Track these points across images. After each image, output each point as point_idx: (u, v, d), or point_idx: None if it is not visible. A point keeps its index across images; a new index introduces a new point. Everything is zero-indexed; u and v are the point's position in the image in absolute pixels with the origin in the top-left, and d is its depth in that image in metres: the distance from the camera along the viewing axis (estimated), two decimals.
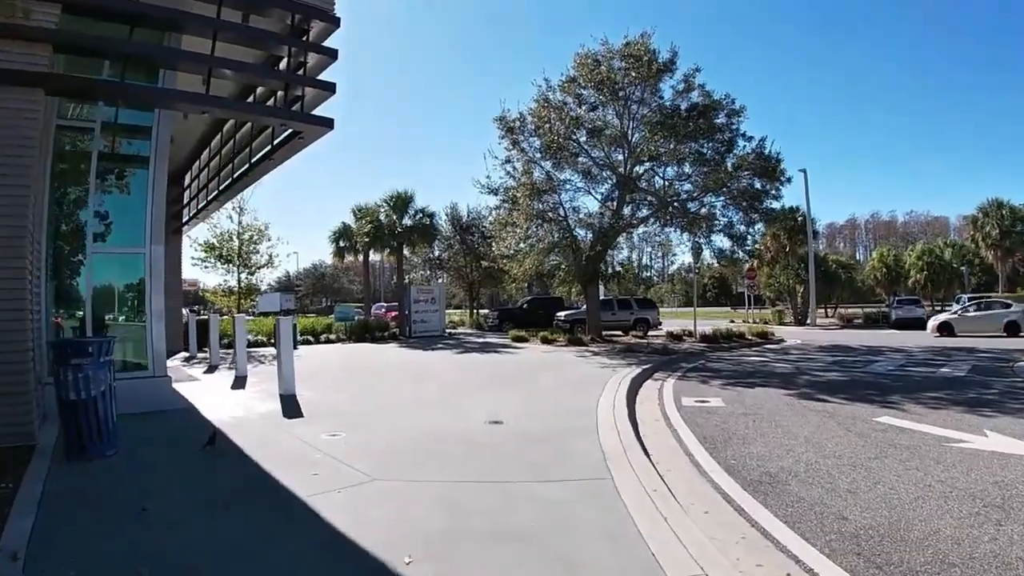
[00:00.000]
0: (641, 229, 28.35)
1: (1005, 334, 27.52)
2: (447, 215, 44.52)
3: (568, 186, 26.87)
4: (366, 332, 30.23)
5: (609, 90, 24.61)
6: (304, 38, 10.90)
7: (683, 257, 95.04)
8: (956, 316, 30.06)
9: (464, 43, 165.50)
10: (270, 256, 31.27)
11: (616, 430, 8.31)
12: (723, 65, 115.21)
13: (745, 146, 24.97)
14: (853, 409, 10.26)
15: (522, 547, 4.55)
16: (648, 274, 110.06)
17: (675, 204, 25.64)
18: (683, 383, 13.99)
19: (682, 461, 7.30)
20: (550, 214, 26.24)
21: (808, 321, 42.39)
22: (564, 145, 25.22)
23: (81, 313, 10.42)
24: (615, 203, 26.14)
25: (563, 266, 27.40)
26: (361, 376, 16.26)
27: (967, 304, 32.48)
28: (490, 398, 11.65)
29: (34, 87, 7.99)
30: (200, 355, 21.26)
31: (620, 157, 26.11)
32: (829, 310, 52.12)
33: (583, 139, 25.91)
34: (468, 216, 44.32)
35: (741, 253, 26.74)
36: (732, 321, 39.37)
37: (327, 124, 11.09)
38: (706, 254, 27.49)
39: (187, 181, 23.88)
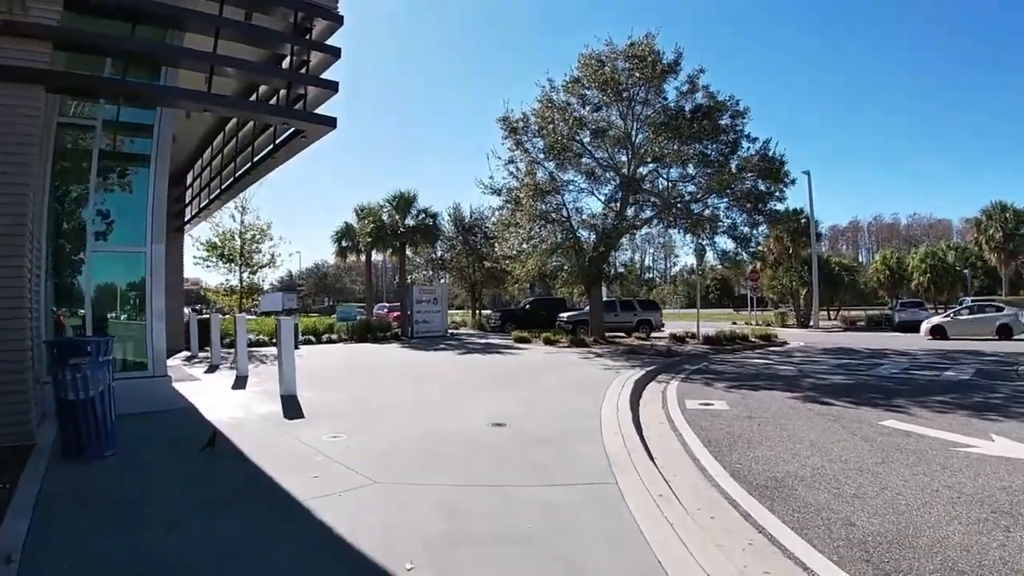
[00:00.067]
0: (644, 230, 28.30)
1: (997, 337, 27.65)
2: (450, 215, 44.50)
3: (571, 187, 26.82)
4: (368, 332, 30.17)
5: (613, 91, 24.53)
6: (307, 36, 10.84)
7: (685, 258, 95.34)
8: (949, 319, 30.16)
9: (464, 43, 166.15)
10: (272, 255, 31.32)
11: (620, 433, 8.24)
12: (723, 65, 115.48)
13: (749, 147, 24.94)
14: (858, 413, 10.19)
15: (525, 552, 4.49)
16: (650, 275, 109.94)
17: (679, 205, 25.57)
18: (687, 385, 13.91)
19: (687, 465, 7.22)
20: (553, 215, 26.16)
21: (811, 323, 42.32)
22: (568, 146, 25.16)
23: (81, 312, 10.36)
24: (618, 204, 26.06)
25: (566, 267, 27.33)
26: (363, 376, 16.20)
27: (960, 307, 32.65)
28: (492, 399, 11.59)
29: (35, 84, 7.93)
30: (201, 354, 21.23)
31: (624, 158, 26.05)
32: (832, 312, 52.04)
33: (587, 140, 25.84)
34: (471, 216, 44.26)
35: (745, 255, 26.64)
36: (735, 323, 39.27)
37: (330, 123, 11.02)
38: (710, 256, 27.48)
39: (189, 180, 23.88)
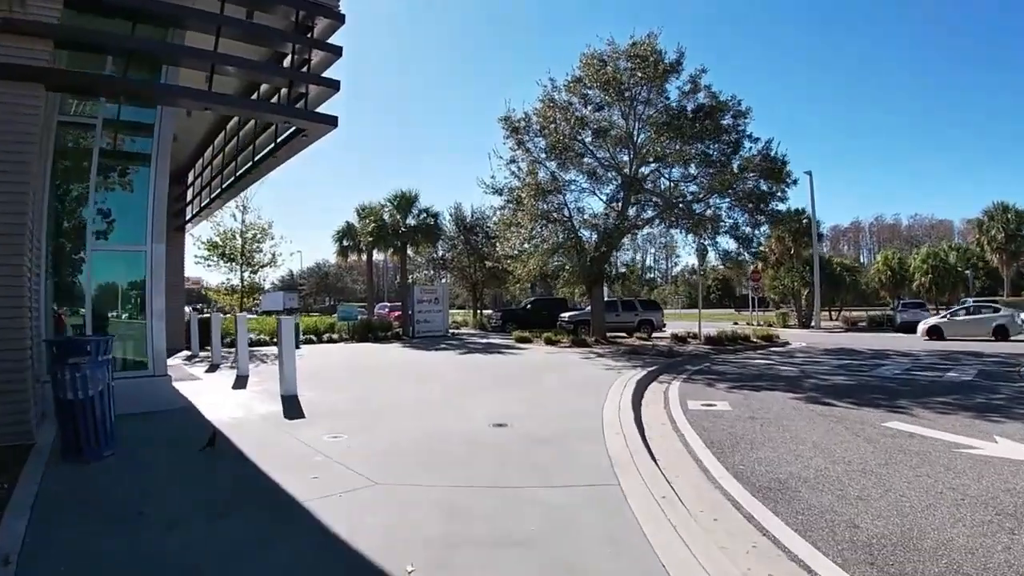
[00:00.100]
0: (646, 230, 28.26)
1: (994, 338, 27.70)
2: (451, 215, 44.51)
3: (573, 187, 26.79)
4: (369, 332, 30.11)
5: (615, 90, 24.49)
6: (308, 35, 10.81)
7: (687, 259, 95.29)
8: (945, 320, 30.16)
9: (464, 43, 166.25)
10: (273, 255, 31.30)
11: (622, 434, 8.21)
12: (723, 65, 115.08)
13: (751, 147, 24.90)
14: (861, 414, 10.15)
15: (527, 554, 4.45)
16: (652, 276, 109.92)
17: (680, 205, 25.53)
18: (689, 386, 13.87)
19: (690, 466, 7.18)
20: (555, 215, 26.13)
21: (812, 324, 42.25)
22: (569, 145, 25.13)
23: (82, 311, 10.34)
24: (620, 204, 26.02)
25: (567, 267, 27.28)
26: (364, 376, 16.17)
27: (957, 308, 32.72)
28: (494, 399, 11.56)
29: (35, 82, 7.90)
30: (202, 354, 21.20)
31: (626, 158, 26.02)
32: (833, 313, 52.02)
33: (588, 140, 25.78)
34: (472, 216, 44.26)
35: (747, 255, 26.61)
36: (736, 323, 39.25)
37: (331, 122, 10.98)
38: (711, 256, 27.45)
39: (190, 179, 23.85)
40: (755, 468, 7.00)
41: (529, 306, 39.84)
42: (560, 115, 24.99)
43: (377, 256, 48.01)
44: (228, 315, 27.68)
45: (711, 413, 10.44)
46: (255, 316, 41.14)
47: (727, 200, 25.10)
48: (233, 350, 18.13)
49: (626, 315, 32.72)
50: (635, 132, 25.42)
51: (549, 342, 25.63)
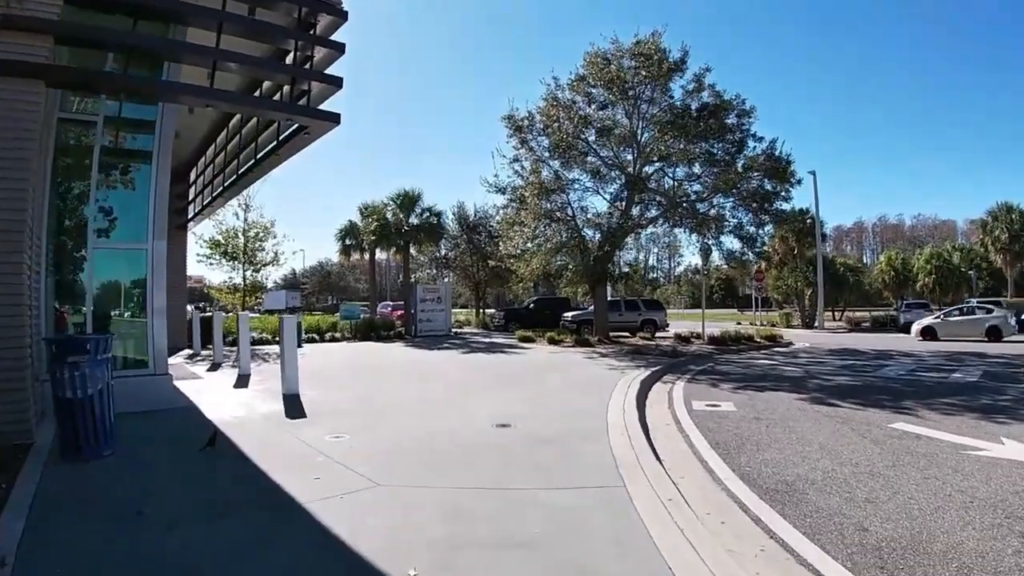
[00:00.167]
0: (649, 230, 28.19)
1: (987, 339, 27.77)
2: (454, 214, 44.57)
3: (576, 186, 26.75)
4: (371, 331, 30.05)
5: (619, 89, 24.44)
6: (311, 31, 10.77)
7: (690, 258, 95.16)
8: (939, 320, 30.33)
9: (464, 43, 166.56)
10: (275, 253, 31.25)
11: (627, 434, 8.13)
12: (724, 65, 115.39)
13: (755, 147, 24.86)
14: (867, 415, 10.07)
15: (531, 557, 4.38)
16: (654, 275, 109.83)
17: (684, 205, 25.46)
18: (693, 386, 13.80)
19: (695, 468, 7.11)
20: (558, 214, 26.09)
21: (816, 324, 42.20)
22: (573, 144, 25.08)
23: (83, 309, 10.28)
24: (624, 203, 25.98)
25: (571, 266, 27.23)
26: (366, 375, 16.12)
27: (951, 309, 32.93)
28: (497, 399, 11.49)
29: (35, 79, 7.85)
30: (204, 352, 21.15)
31: (629, 157, 25.97)
32: (836, 313, 51.98)
33: (592, 138, 25.75)
34: (475, 215, 44.28)
35: (751, 255, 26.54)
36: (739, 323, 39.20)
37: (333, 119, 10.94)
38: (715, 256, 27.37)
39: (192, 177, 23.82)
40: (761, 470, 6.93)
41: (532, 305, 39.83)
42: (564, 114, 24.93)
43: (380, 255, 48.06)
44: (230, 314, 27.65)
45: (716, 414, 10.37)
46: (257, 315, 41.14)
47: (731, 199, 25.07)
48: (235, 349, 18.07)
49: (629, 315, 32.64)
50: (639, 131, 25.38)
51: (552, 342, 25.55)
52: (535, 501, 5.58)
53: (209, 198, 21.89)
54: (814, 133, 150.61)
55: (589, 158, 26.11)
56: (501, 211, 29.06)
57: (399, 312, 38.69)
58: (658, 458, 7.15)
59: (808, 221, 43.51)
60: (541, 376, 15.12)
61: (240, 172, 16.98)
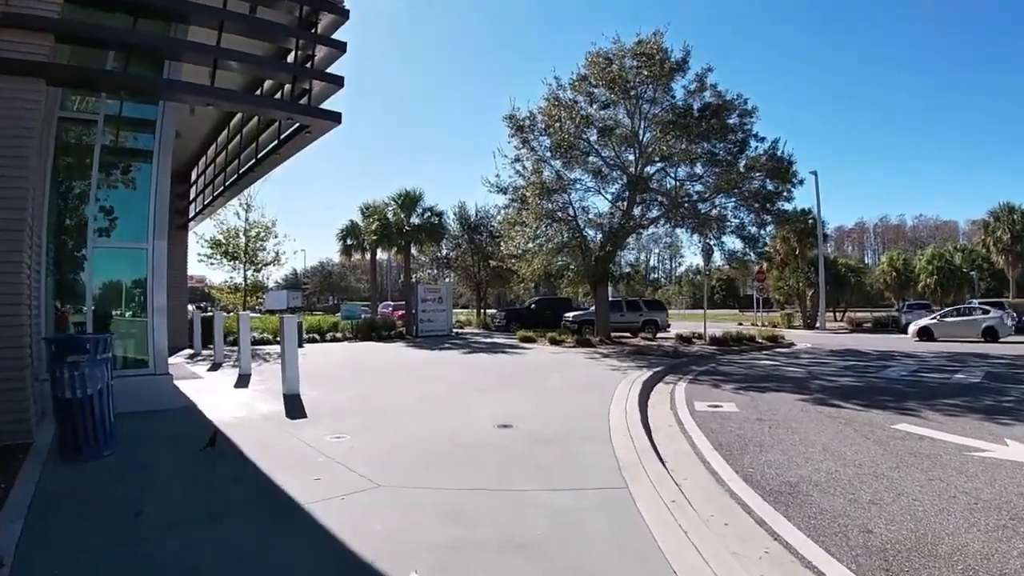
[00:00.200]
0: (651, 230, 28.15)
1: (983, 339, 27.94)
2: (455, 214, 44.52)
3: (578, 186, 26.70)
4: (372, 331, 30.03)
5: (621, 89, 24.38)
6: (312, 30, 10.74)
7: (691, 259, 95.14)
8: (935, 321, 30.47)
9: (465, 42, 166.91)
10: (276, 253, 31.31)
11: (629, 435, 8.10)
12: (724, 65, 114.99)
13: (757, 147, 24.82)
14: (869, 416, 10.03)
15: (533, 560, 4.34)
16: (655, 276, 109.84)
17: (686, 205, 25.41)
18: (695, 387, 13.76)
19: (698, 469, 7.07)
20: (559, 214, 26.05)
21: (817, 325, 42.19)
22: (574, 144, 25.04)
23: (83, 308, 10.25)
24: (625, 203, 25.95)
25: (572, 266, 27.20)
26: (367, 376, 16.07)
27: (947, 309, 33.07)
28: (498, 400, 11.46)
29: (35, 77, 7.82)
30: (205, 352, 21.12)
31: (631, 157, 25.93)
32: (838, 314, 51.90)
33: (593, 138, 25.69)
34: (476, 215, 44.27)
35: (753, 255, 26.50)
36: (740, 324, 39.16)
37: (334, 118, 10.90)
38: (717, 256, 27.30)
39: (194, 176, 23.81)
40: (765, 471, 6.88)
41: (533, 306, 39.83)
42: (565, 113, 24.86)
43: (381, 255, 47.91)
44: (231, 314, 27.64)
45: (718, 414, 10.33)
46: (258, 315, 41.13)
47: (733, 200, 25.00)
48: (236, 349, 18.03)
49: (631, 315, 32.62)
50: (641, 131, 25.34)
51: (553, 342, 25.51)
52: (537, 502, 5.54)
53: (210, 198, 21.88)
54: (815, 134, 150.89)
55: (591, 158, 26.08)
56: (502, 211, 29.06)
57: (400, 312, 38.65)
58: (661, 459, 7.11)
59: (810, 221, 43.48)
60: (542, 376, 15.07)
61: (241, 171, 16.95)
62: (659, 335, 30.89)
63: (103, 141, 10.22)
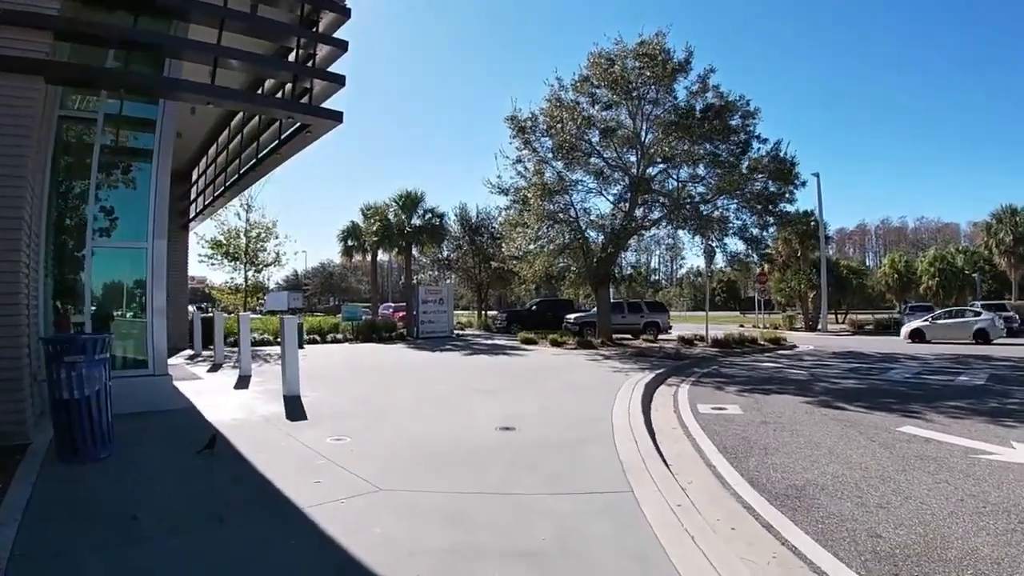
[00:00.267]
0: (652, 231, 28.07)
1: (975, 341, 28.11)
2: (456, 215, 44.49)
3: (580, 187, 26.65)
4: (373, 332, 29.95)
5: (622, 89, 24.32)
6: (314, 29, 10.69)
7: (692, 260, 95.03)
8: (928, 324, 30.71)
9: (464, 42, 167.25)
10: (277, 254, 31.34)
11: (633, 438, 8.02)
12: (723, 65, 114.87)
13: (760, 148, 24.75)
14: (874, 418, 9.97)
15: (538, 566, 4.27)
16: (656, 277, 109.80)
17: (688, 206, 25.34)
18: (698, 389, 13.70)
19: (703, 472, 6.99)
20: (561, 215, 26.01)
21: (819, 327, 42.10)
22: (576, 145, 24.99)
23: (81, 308, 10.18)
24: (627, 204, 25.88)
25: (574, 268, 27.16)
26: (367, 377, 16.01)
27: (940, 312, 33.40)
28: (500, 402, 11.39)
29: (34, 75, 7.75)
30: (205, 353, 21.03)
31: (633, 158, 25.87)
32: (840, 316, 51.84)
33: (595, 139, 25.65)
34: (477, 217, 44.25)
35: (755, 256, 26.46)
36: (742, 326, 39.08)
37: (336, 117, 10.84)
38: (719, 258, 27.20)
39: (194, 177, 23.75)
40: (771, 474, 6.82)
41: (534, 307, 39.81)
42: (567, 114, 24.78)
43: (382, 256, 47.97)
44: (232, 314, 27.61)
45: (722, 417, 10.25)
46: (259, 316, 41.08)
47: (735, 201, 24.93)
48: (236, 350, 17.97)
49: (632, 317, 32.51)
50: (643, 132, 25.28)
51: (555, 344, 25.45)
52: (541, 507, 5.47)
53: (211, 198, 21.81)
54: (815, 135, 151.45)
55: (592, 159, 26.05)
56: (504, 212, 29.05)
57: (401, 313, 38.61)
58: (665, 462, 7.04)
59: (812, 223, 43.44)
60: (544, 378, 15.01)
61: (242, 171, 16.89)
62: (661, 337, 30.78)
63: (103, 140, 10.14)
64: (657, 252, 33.68)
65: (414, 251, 40.16)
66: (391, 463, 6.96)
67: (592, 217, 26.66)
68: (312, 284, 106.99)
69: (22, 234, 7.52)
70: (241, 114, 15.34)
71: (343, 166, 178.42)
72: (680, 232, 27.13)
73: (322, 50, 10.84)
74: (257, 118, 14.50)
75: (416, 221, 37.97)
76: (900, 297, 55.37)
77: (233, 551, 4.53)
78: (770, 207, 24.61)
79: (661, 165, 25.88)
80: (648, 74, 23.88)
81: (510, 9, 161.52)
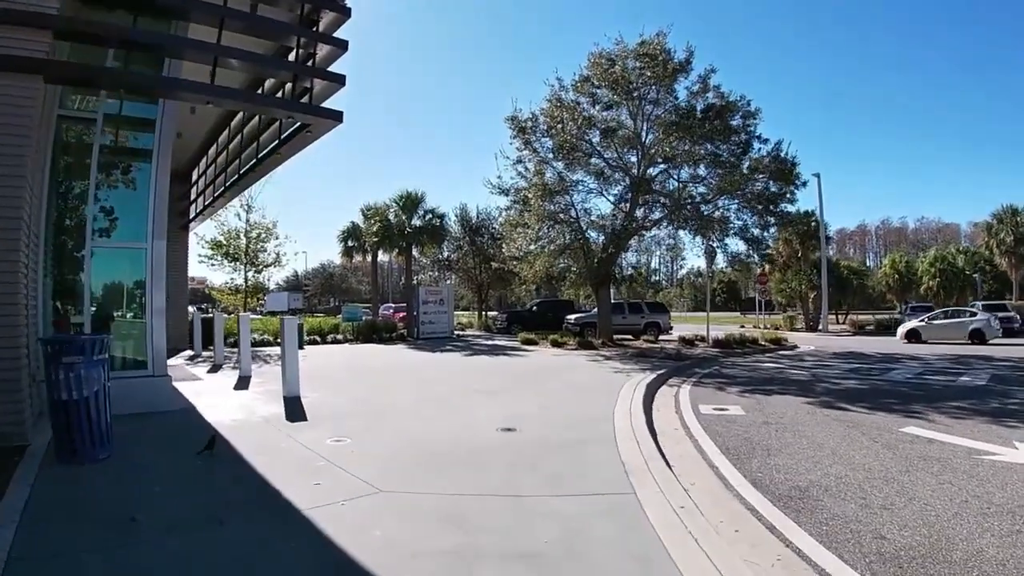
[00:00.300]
0: (653, 232, 28.04)
1: (970, 341, 28.20)
2: (457, 216, 44.48)
3: (580, 187, 26.60)
4: (373, 333, 29.92)
5: (623, 90, 24.27)
6: (314, 29, 10.66)
7: (693, 261, 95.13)
8: (924, 324, 30.79)
9: (464, 42, 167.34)
10: (277, 254, 31.34)
11: (635, 439, 7.98)
12: (723, 65, 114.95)
13: (761, 148, 24.72)
14: (876, 419, 9.94)
15: (540, 568, 4.23)
16: (657, 278, 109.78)
17: (689, 207, 25.31)
18: (699, 389, 13.66)
19: (706, 474, 6.95)
20: (562, 215, 25.97)
21: (820, 327, 42.04)
22: (577, 145, 24.96)
23: (80, 309, 10.15)
24: (628, 205, 25.84)
25: (574, 268, 27.13)
26: (368, 378, 15.98)
27: (936, 312, 33.57)
28: (501, 403, 11.35)
29: (34, 74, 7.72)
30: (205, 353, 21.01)
31: (633, 158, 25.82)
32: (840, 316, 51.79)
33: (596, 140, 25.62)
34: (478, 217, 44.24)
35: (756, 257, 26.42)
36: (743, 326, 39.04)
37: (336, 117, 10.81)
38: (720, 258, 27.16)
39: (194, 177, 23.74)
40: (773, 475, 6.78)
41: (535, 308, 39.80)
42: (567, 115, 24.74)
43: (382, 257, 48.01)
44: (232, 315, 27.59)
45: (724, 418, 10.22)
46: (259, 316, 41.06)
47: (736, 201, 24.89)
48: (236, 350, 17.94)
49: (633, 317, 32.43)
50: (643, 132, 25.23)
51: (555, 344, 25.42)
52: (542, 508, 5.43)
53: (211, 198, 21.79)
54: (815, 135, 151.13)
55: (593, 159, 26.01)
56: (504, 213, 29.01)
57: (401, 314, 38.59)
58: (667, 463, 7.00)
59: (812, 224, 43.41)
60: (545, 379, 14.98)
61: (242, 172, 16.87)
62: (661, 337, 30.73)
63: (103, 140, 10.11)
64: (658, 253, 33.66)
65: (414, 252, 40.14)
66: (391, 464, 6.93)
67: (593, 217, 26.65)
68: (312, 285, 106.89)
69: (21, 234, 7.49)
70: (241, 114, 15.32)
71: (343, 166, 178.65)
72: (681, 232, 27.15)
73: (322, 50, 10.80)
74: (257, 118, 14.48)
75: (416, 221, 37.94)
76: (901, 298, 55.33)
77: (233, 552, 4.50)
78: (771, 207, 24.58)
79: (662, 165, 25.87)
80: (649, 74, 23.84)
81: (510, 9, 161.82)
